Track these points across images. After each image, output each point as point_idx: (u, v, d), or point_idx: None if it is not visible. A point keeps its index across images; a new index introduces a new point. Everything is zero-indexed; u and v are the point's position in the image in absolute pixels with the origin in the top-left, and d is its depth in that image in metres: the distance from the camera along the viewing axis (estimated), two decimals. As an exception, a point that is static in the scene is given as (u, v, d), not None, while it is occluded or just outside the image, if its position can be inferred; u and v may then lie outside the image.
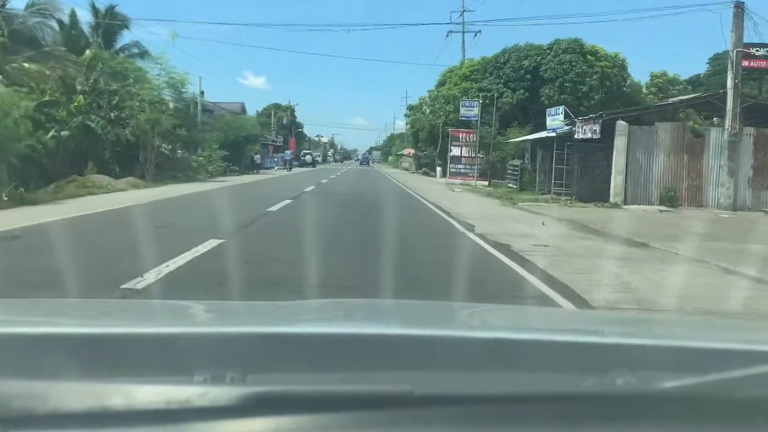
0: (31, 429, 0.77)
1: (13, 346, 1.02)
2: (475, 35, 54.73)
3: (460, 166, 32.81)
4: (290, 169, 46.51)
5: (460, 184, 31.55)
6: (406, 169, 67.51)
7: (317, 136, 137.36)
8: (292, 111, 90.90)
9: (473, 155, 32.61)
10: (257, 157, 44.89)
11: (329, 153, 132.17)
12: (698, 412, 0.87)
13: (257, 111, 75.25)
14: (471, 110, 32.40)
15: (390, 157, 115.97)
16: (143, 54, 41.68)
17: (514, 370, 1.05)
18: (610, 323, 1.91)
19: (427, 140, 50.27)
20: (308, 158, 71.81)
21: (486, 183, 31.69)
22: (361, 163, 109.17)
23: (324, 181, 28.63)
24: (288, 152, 47.74)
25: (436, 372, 1.02)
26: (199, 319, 1.52)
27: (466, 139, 32.86)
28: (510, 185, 25.11)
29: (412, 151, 61.36)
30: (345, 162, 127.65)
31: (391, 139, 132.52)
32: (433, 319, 1.66)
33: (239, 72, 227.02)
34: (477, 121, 32.30)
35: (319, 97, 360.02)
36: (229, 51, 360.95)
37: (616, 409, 0.87)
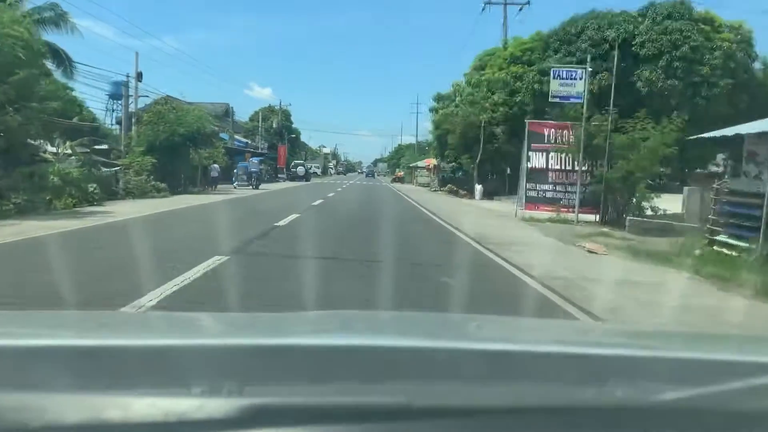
0: None
1: (9, 357, 1.00)
2: (521, 9, 40.60)
3: (545, 187, 18.19)
4: (257, 185, 32.11)
5: (550, 220, 17.04)
6: (424, 186, 52.94)
7: (320, 146, 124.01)
8: (287, 115, 76.72)
9: (569, 167, 18.12)
10: (214, 168, 30.46)
11: (330, 165, 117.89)
12: (697, 423, 0.87)
13: (224, 108, 61.02)
14: (570, 85, 17.95)
15: (399, 170, 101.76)
16: (58, 20, 27.89)
17: (512, 382, 1.04)
18: (609, 335, 1.89)
19: (461, 146, 35.76)
20: (300, 170, 57.21)
21: (594, 218, 17.26)
22: (367, 176, 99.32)
23: (289, 218, 13.73)
24: (254, 160, 32.99)
25: (433, 384, 1.00)
26: (196, 331, 1.46)
27: (557, 137, 18.30)
28: (731, 243, 10.38)
29: (433, 161, 46.73)
30: (348, 174, 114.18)
31: (399, 151, 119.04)
32: (431, 330, 1.62)
33: (245, 83, 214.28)
34: (582, 104, 17.80)
35: (324, 108, 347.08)
36: (235, 61, 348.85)
37: (615, 420, 0.86)
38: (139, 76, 32.84)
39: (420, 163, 67.68)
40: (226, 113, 62.36)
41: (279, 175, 55.20)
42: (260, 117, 66.16)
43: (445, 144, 38.27)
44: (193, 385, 0.88)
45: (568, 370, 1.05)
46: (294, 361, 1.04)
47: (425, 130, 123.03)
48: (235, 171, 32.60)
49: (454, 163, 40.21)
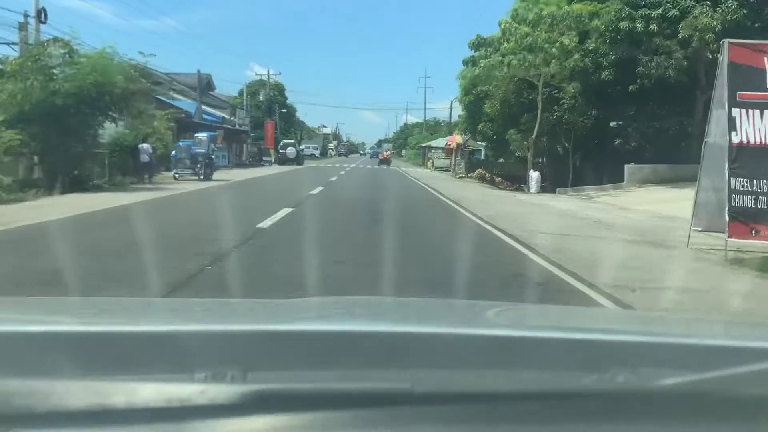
0: (32, 427, 0.76)
1: (14, 344, 1.00)
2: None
3: (774, 187, 8.27)
4: (207, 174, 21.75)
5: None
6: (442, 170, 42.84)
7: (320, 126, 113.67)
8: (280, 89, 66.38)
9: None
10: (143, 151, 20.42)
11: (331, 145, 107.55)
12: (699, 409, 0.87)
13: (203, 80, 50.82)
14: None
15: (405, 151, 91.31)
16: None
17: (514, 368, 1.03)
18: (610, 320, 1.90)
19: (503, 116, 25.63)
20: (290, 151, 46.74)
21: None
22: (371, 157, 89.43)
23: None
24: (202, 135, 22.49)
25: (435, 369, 1.00)
26: (199, 317, 1.44)
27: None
28: None
29: (458, 139, 36.45)
30: (351, 156, 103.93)
31: (405, 130, 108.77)
32: (432, 316, 1.62)
33: (246, 64, 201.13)
34: None
35: (325, 87, 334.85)
36: (236, 40, 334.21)
37: (617, 406, 0.86)
38: (41, 15, 22.90)
39: (434, 143, 57.40)
40: (207, 85, 52.36)
41: (264, 158, 45.14)
42: (245, 90, 55.92)
43: (478, 114, 28.13)
44: (196, 371, 0.87)
45: (569, 356, 1.05)
46: (297, 347, 1.03)
47: (432, 109, 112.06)
48: (173, 154, 22.49)
49: (487, 142, 30.08)
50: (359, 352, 1.03)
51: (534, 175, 22.43)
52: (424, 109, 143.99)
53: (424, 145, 61.03)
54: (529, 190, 22.43)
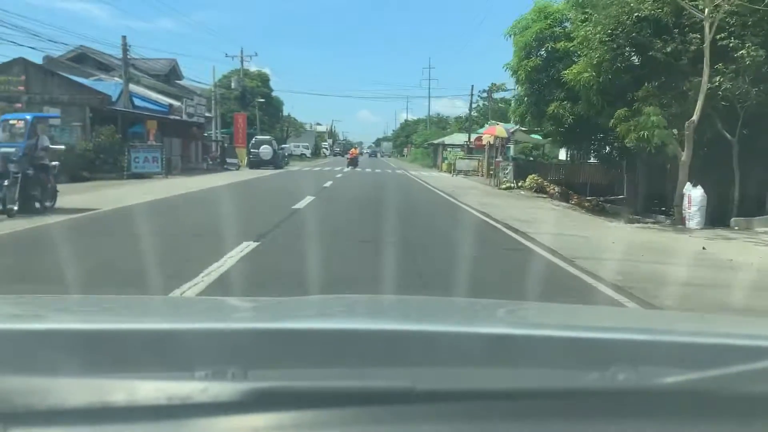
0: (33, 425, 0.75)
1: (14, 341, 0.99)
2: None
3: None
4: (35, 200, 9.54)
5: None
6: (467, 174, 31.96)
7: (314, 123, 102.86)
8: (264, 78, 55.38)
9: None
10: None
11: (325, 144, 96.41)
12: (699, 407, 0.86)
13: (168, 66, 39.78)
14: None
15: (409, 150, 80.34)
16: None
17: (515, 366, 1.03)
18: (611, 319, 1.88)
19: (598, 91, 14.74)
20: (264, 152, 35.15)
21: None
22: (370, 156, 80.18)
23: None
24: (18, 118, 9.70)
25: (437, 367, 1.00)
26: (200, 315, 1.44)
27: None
28: None
29: (499, 131, 25.35)
30: (347, 156, 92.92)
31: (406, 127, 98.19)
32: (434, 314, 1.59)
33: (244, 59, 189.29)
34: None
35: (322, 83, 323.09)
36: (234, 36, 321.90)
37: (618, 404, 0.86)
38: None
39: (448, 140, 46.44)
40: (173, 73, 41.50)
41: (229, 160, 34.10)
42: (213, 71, 44.92)
43: (548, 89, 17.20)
44: (197, 369, 0.87)
45: (570, 354, 1.03)
46: (298, 345, 1.02)
47: (439, 96, 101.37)
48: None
49: (556, 135, 19.13)
50: (360, 350, 1.01)
51: (696, 195, 11.53)
52: (428, 96, 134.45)
53: (436, 141, 49.91)
54: (687, 223, 11.57)
